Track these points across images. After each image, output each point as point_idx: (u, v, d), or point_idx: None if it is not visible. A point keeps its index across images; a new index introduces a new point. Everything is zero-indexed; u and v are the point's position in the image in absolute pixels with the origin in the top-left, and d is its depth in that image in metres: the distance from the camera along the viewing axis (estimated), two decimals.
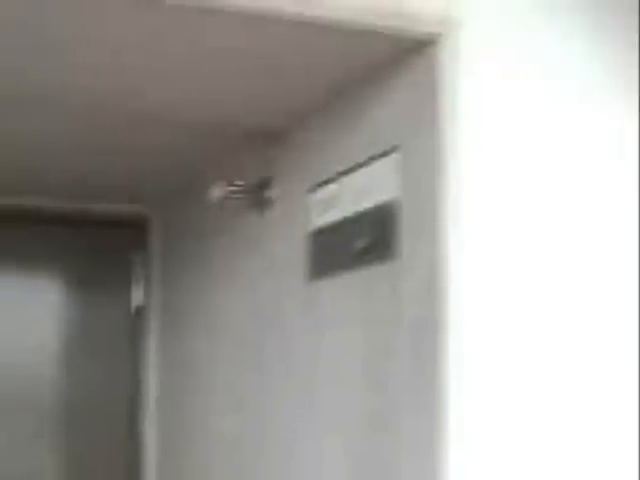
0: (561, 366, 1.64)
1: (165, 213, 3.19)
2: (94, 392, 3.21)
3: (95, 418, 3.20)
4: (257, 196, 2.30)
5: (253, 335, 2.36)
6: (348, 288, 1.89)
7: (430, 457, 1.57)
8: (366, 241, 1.81)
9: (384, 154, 1.77)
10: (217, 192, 2.27)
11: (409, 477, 1.64)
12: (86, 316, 3.23)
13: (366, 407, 1.80)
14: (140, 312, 3.25)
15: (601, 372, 1.67)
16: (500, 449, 1.58)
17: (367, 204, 1.83)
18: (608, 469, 1.66)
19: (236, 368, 2.47)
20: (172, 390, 3.06)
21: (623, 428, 1.67)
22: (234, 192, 2.30)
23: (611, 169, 1.70)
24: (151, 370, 3.21)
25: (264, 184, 2.29)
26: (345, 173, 1.92)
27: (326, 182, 2.00)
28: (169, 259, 3.14)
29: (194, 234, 2.86)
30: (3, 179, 2.80)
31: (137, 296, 3.25)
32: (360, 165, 1.87)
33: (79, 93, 1.98)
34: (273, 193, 2.27)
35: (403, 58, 1.69)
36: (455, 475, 1.54)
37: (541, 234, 1.65)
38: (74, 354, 3.19)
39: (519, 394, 1.60)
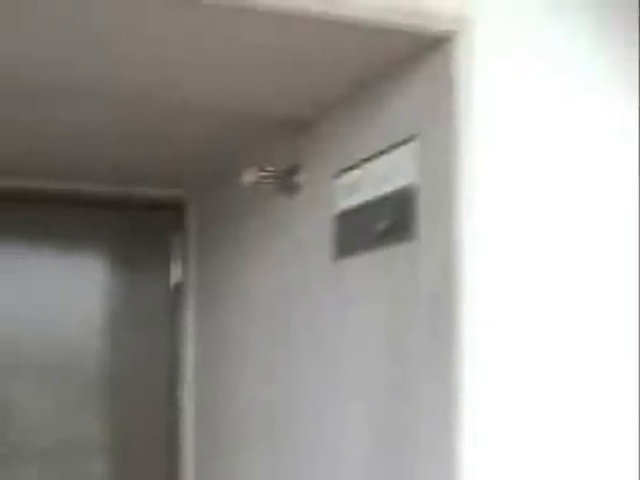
0: (567, 339, 1.64)
1: (202, 197, 3.18)
2: (136, 362, 3.22)
3: (137, 387, 3.21)
4: (286, 181, 2.30)
5: (282, 310, 2.36)
6: (370, 266, 1.90)
7: (446, 422, 1.58)
8: (387, 223, 1.82)
9: (403, 142, 1.77)
10: (249, 177, 2.28)
11: (426, 440, 1.65)
12: (128, 292, 3.23)
13: (387, 376, 1.81)
14: (178, 288, 3.25)
15: (611, 344, 1.67)
16: (511, 414, 1.58)
17: (388, 189, 1.84)
18: (612, 453, 1.67)
19: (266, 341, 2.47)
20: (208, 361, 3.07)
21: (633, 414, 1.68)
22: (265, 177, 2.30)
23: (613, 155, 1.70)
24: (188, 342, 3.22)
25: (293, 170, 2.29)
26: (367, 160, 1.93)
27: (350, 168, 2.00)
28: (205, 239, 3.14)
29: (228, 216, 2.86)
30: (54, 166, 2.81)
31: (175, 274, 3.26)
32: (381, 153, 1.87)
33: (123, 85, 1.99)
34: (301, 178, 2.27)
35: (421, 54, 1.69)
36: (468, 437, 1.55)
37: (550, 217, 1.64)
38: (117, 327, 3.20)
39: (529, 365, 1.60)
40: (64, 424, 3.11)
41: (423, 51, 1.68)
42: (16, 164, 2.80)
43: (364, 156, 1.94)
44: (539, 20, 1.66)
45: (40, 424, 3.07)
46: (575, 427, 1.64)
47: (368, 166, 1.93)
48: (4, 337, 3.04)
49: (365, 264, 1.92)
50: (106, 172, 2.93)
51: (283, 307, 2.36)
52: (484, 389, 1.56)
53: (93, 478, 3.16)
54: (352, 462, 1.95)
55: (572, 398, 1.64)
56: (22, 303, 3.08)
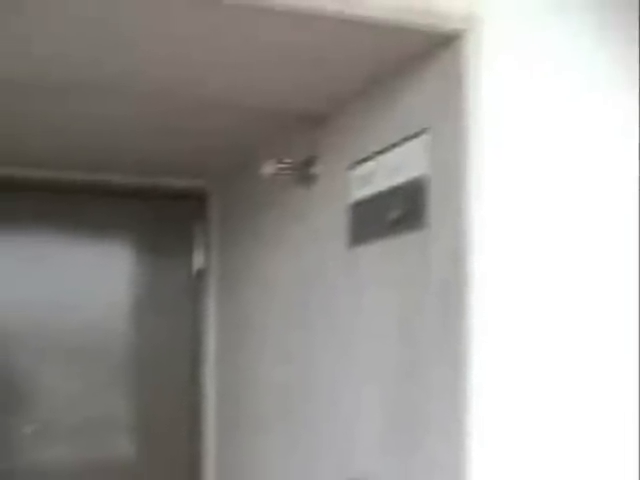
0: (572, 325, 1.65)
1: (223, 187, 3.20)
2: (160, 345, 3.24)
3: (161, 369, 3.23)
4: (303, 172, 2.31)
5: (299, 295, 2.37)
6: (383, 254, 1.90)
7: (454, 403, 1.59)
8: (399, 212, 1.82)
9: (415, 136, 1.78)
10: (268, 169, 2.29)
11: (436, 419, 1.66)
12: (153, 278, 3.25)
13: (398, 359, 1.82)
14: (201, 275, 3.27)
15: (614, 326, 1.68)
16: (517, 396, 1.59)
17: (400, 180, 1.84)
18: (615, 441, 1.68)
19: (285, 324, 2.48)
20: (228, 344, 3.08)
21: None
22: (283, 169, 2.31)
23: (614, 149, 1.70)
24: (210, 326, 3.23)
25: (310, 162, 2.30)
26: (381, 152, 1.93)
27: (364, 160, 2.01)
28: (226, 228, 3.16)
29: (248, 206, 2.87)
30: (83, 158, 2.83)
31: (198, 261, 3.27)
32: (394, 145, 1.88)
33: (148, 82, 2.00)
34: (318, 170, 2.28)
35: (432, 52, 1.70)
36: (476, 417, 1.56)
37: (554, 207, 1.65)
38: (142, 312, 3.22)
39: (535, 350, 1.61)
40: (91, 403, 3.13)
41: (434, 49, 1.69)
42: (49, 157, 2.82)
43: (377, 149, 1.95)
44: (544, 19, 1.66)
45: (69, 403, 3.09)
46: (580, 409, 1.65)
47: (381, 158, 1.94)
48: (36, 321, 3.06)
49: (378, 251, 1.93)
50: (132, 164, 2.95)
51: (300, 293, 2.37)
52: (491, 372, 1.57)
53: (119, 455, 3.19)
54: (366, 441, 1.96)
55: (577, 382, 1.65)
56: (53, 288, 3.10)
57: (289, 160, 2.32)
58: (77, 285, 3.13)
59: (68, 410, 3.09)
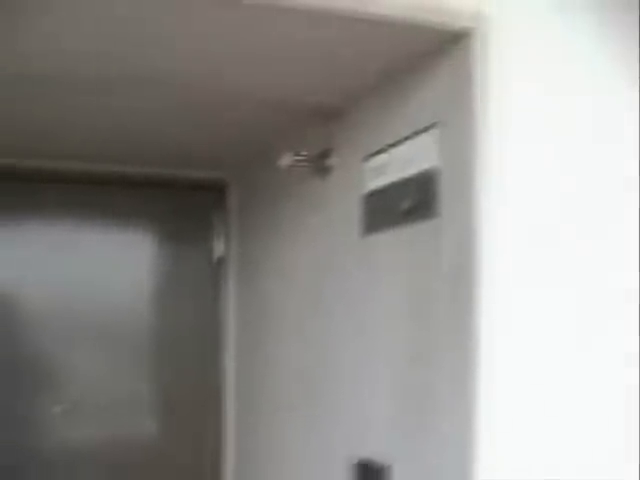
0: (580, 310, 1.66)
1: (242, 179, 3.20)
2: (182, 329, 3.25)
3: (183, 352, 3.24)
4: (319, 164, 2.32)
5: (315, 282, 2.38)
6: (395, 242, 1.91)
7: (464, 385, 1.60)
8: (411, 202, 1.83)
9: (426, 129, 1.79)
10: (285, 160, 2.30)
11: (447, 401, 1.67)
12: (175, 265, 3.26)
13: (411, 342, 1.83)
14: (221, 262, 3.28)
15: (623, 313, 1.69)
16: (525, 377, 1.60)
17: (412, 171, 1.85)
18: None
19: (302, 310, 2.49)
20: (248, 328, 3.09)
21: None
22: (300, 161, 2.32)
23: (616, 139, 1.71)
24: (230, 311, 3.25)
25: (325, 154, 2.31)
26: (393, 145, 1.94)
27: (378, 152, 2.02)
28: (245, 217, 3.17)
29: (266, 196, 2.88)
30: (106, 150, 2.85)
31: (218, 249, 3.28)
32: (406, 139, 1.89)
33: (171, 76, 2.01)
34: (333, 162, 2.28)
35: (442, 48, 1.70)
36: (485, 399, 1.57)
37: (560, 196, 1.65)
38: (165, 297, 3.24)
39: (543, 333, 1.62)
40: (117, 384, 3.15)
41: (444, 46, 1.69)
42: (75, 150, 2.83)
43: (390, 142, 1.95)
44: (547, 18, 1.66)
45: (95, 384, 3.11)
46: (587, 393, 1.66)
47: (394, 151, 1.94)
48: (64, 305, 3.09)
49: (390, 240, 1.94)
50: (155, 156, 2.96)
51: (316, 280, 2.38)
52: (500, 355, 1.58)
53: (143, 434, 3.21)
54: (378, 422, 1.98)
55: (584, 365, 1.65)
56: (81, 275, 3.12)
57: (305, 152, 2.33)
58: (103, 271, 3.15)
59: (95, 390, 3.11)
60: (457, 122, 1.67)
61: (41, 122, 2.47)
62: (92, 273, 3.13)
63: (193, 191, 3.27)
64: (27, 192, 3.06)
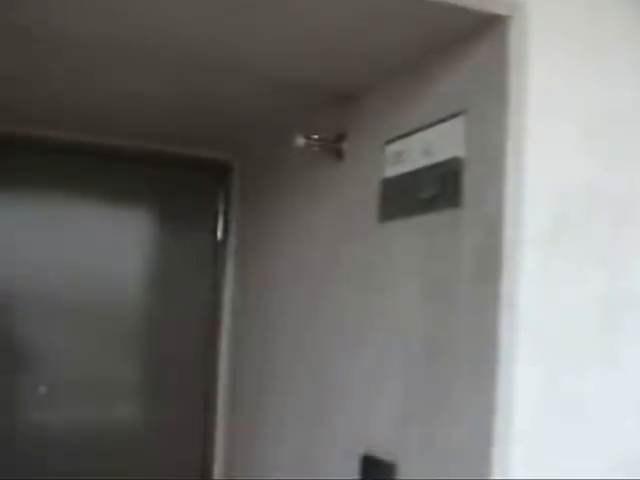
0: (600, 292, 1.66)
1: (247, 159, 3.20)
2: (178, 313, 3.25)
3: (180, 333, 3.24)
4: (334, 148, 2.31)
5: (327, 269, 2.37)
6: (414, 230, 1.91)
7: (484, 382, 1.60)
8: (432, 191, 1.83)
9: (452, 116, 1.78)
10: (300, 142, 2.28)
11: (465, 398, 1.67)
12: (174, 246, 3.25)
13: (429, 335, 1.82)
14: (221, 242, 3.28)
15: None
16: (548, 376, 1.61)
17: (434, 159, 1.85)
18: None
19: (310, 296, 2.48)
20: (248, 314, 3.09)
21: None
22: (314, 143, 2.31)
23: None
24: (229, 294, 3.26)
25: (340, 138, 2.30)
26: (415, 132, 1.94)
27: (397, 139, 2.01)
28: (248, 199, 3.16)
29: (273, 179, 2.87)
30: (104, 121, 2.82)
31: (219, 229, 3.28)
32: (429, 126, 1.88)
33: (181, 50, 2.00)
34: (348, 146, 2.28)
35: (476, 32, 1.69)
36: (505, 397, 1.57)
37: (591, 191, 1.66)
38: (163, 279, 3.23)
39: (568, 329, 1.63)
40: (111, 365, 3.15)
41: (479, 30, 1.68)
42: (72, 117, 2.81)
43: (411, 128, 1.95)
44: (588, 4, 1.67)
45: (85, 366, 3.11)
46: (611, 393, 1.67)
47: (415, 138, 1.94)
48: (56, 285, 3.07)
49: (409, 228, 1.93)
50: (159, 132, 2.95)
51: (328, 266, 2.37)
52: (522, 350, 1.58)
53: (132, 418, 3.22)
54: (390, 413, 1.97)
55: (610, 360, 1.67)
56: (76, 253, 3.10)
57: (320, 135, 2.32)
58: (97, 250, 3.13)
59: (84, 373, 3.10)
60: (489, 110, 1.66)
61: (40, 88, 2.45)
62: (85, 252, 3.11)
63: (196, 170, 3.26)
64: (14, 162, 3.02)
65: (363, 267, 2.15)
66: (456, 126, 1.78)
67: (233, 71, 2.17)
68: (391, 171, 2.04)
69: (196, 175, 3.28)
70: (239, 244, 3.23)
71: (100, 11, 1.76)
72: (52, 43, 2.01)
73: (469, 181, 1.72)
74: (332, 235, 2.36)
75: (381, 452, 1.99)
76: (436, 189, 1.83)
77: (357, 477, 2.08)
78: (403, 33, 1.78)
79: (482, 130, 1.68)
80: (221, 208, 3.30)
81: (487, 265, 1.63)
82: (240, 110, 2.58)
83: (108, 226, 3.16)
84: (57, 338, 3.07)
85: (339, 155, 2.32)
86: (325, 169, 2.40)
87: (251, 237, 3.09)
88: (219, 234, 3.30)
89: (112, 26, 1.86)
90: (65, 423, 3.10)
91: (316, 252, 2.46)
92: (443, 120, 1.83)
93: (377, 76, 2.08)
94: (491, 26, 1.65)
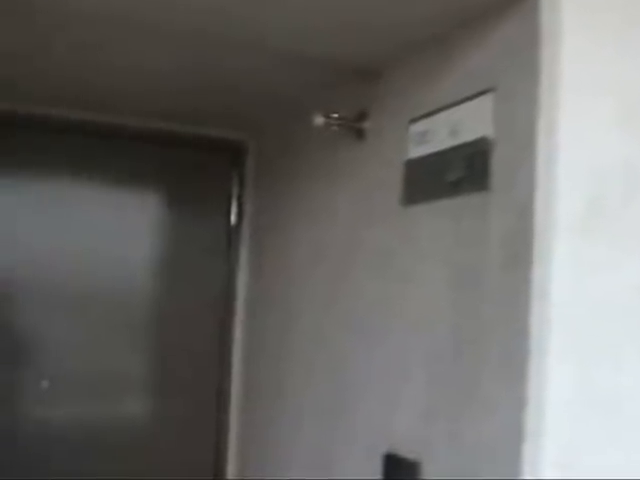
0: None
1: (262, 140, 3.22)
2: (189, 300, 3.27)
3: (191, 322, 3.27)
4: (354, 127, 2.33)
5: (346, 254, 2.39)
6: (440, 215, 1.92)
7: (514, 375, 1.61)
8: (459, 173, 1.84)
9: (480, 94, 1.79)
10: (319, 120, 2.30)
11: (494, 392, 1.67)
12: (186, 231, 3.28)
13: (455, 326, 1.83)
14: (234, 228, 3.31)
15: None
16: (582, 369, 1.60)
17: (461, 140, 1.86)
18: None
19: (329, 284, 2.49)
20: (263, 301, 3.12)
21: None
22: (334, 122, 2.32)
23: None
24: (243, 280, 3.29)
25: (361, 116, 2.31)
26: (441, 110, 1.95)
27: (422, 117, 2.02)
28: (264, 181, 3.18)
29: (289, 160, 2.89)
30: (113, 99, 2.85)
31: (233, 212, 3.30)
32: (455, 103, 1.89)
33: (193, 23, 2.01)
34: (369, 125, 2.29)
35: (505, 5, 1.69)
36: (536, 392, 1.57)
37: (627, 173, 1.65)
38: (174, 265, 3.26)
39: (602, 320, 1.62)
40: (117, 357, 3.18)
41: (508, 1, 1.68)
42: (86, 98, 2.84)
43: (437, 106, 1.96)
44: None
45: (92, 358, 3.13)
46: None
47: (441, 116, 1.95)
48: (63, 273, 3.09)
49: (434, 212, 1.95)
50: (170, 110, 2.96)
51: (347, 252, 2.38)
52: (554, 341, 1.58)
53: (142, 411, 3.25)
54: (413, 409, 1.99)
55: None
56: (80, 239, 3.12)
57: (339, 114, 2.33)
58: (105, 235, 3.15)
59: (90, 364, 3.13)
60: (517, 87, 1.66)
61: (41, 63, 2.47)
62: (91, 237, 3.13)
63: (208, 151, 3.28)
64: (15, 142, 3.03)
65: (385, 253, 2.16)
66: (484, 104, 1.78)
67: (244, 44, 2.17)
68: (415, 152, 2.05)
69: (208, 156, 3.30)
70: (254, 229, 3.26)
71: None
72: (54, 15, 2.02)
73: (498, 162, 1.73)
74: (352, 219, 2.37)
75: (404, 450, 2.00)
76: (463, 171, 1.84)
77: (379, 477, 2.09)
78: (428, 4, 1.78)
79: (512, 108, 1.68)
80: (235, 191, 3.32)
81: (517, 252, 1.63)
82: (254, 87, 2.59)
83: (115, 210, 3.18)
84: (60, 329, 3.09)
85: (360, 135, 2.33)
86: (345, 149, 2.41)
87: (266, 221, 3.11)
88: (233, 218, 3.32)
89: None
90: (68, 419, 3.13)
91: (335, 237, 2.48)
92: (470, 98, 1.84)
93: (401, 51, 2.09)
94: None
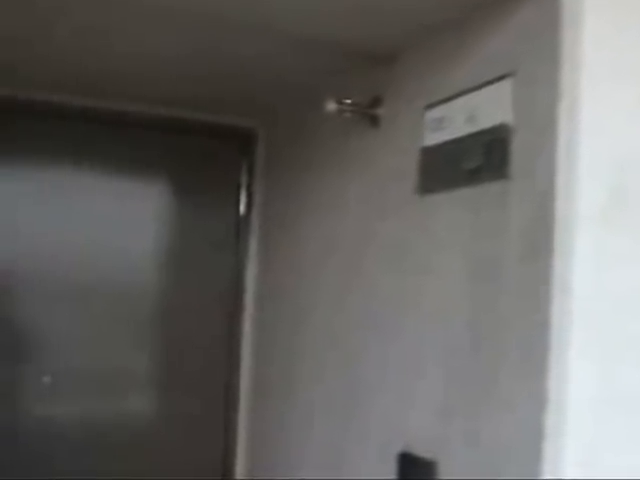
0: None
1: (272, 127, 3.23)
2: (198, 292, 3.29)
3: (199, 317, 3.29)
4: (368, 113, 2.33)
5: (359, 246, 2.39)
6: (457, 204, 1.93)
7: (534, 370, 1.61)
8: (477, 161, 1.85)
9: (499, 78, 1.79)
10: (331, 107, 2.30)
11: (514, 388, 1.68)
12: (193, 222, 3.29)
13: (473, 320, 1.84)
14: (243, 219, 3.32)
15: None
16: (606, 365, 1.60)
17: (479, 126, 1.87)
18: None
19: (342, 278, 2.50)
20: (273, 294, 3.13)
21: None
22: (347, 108, 2.33)
23: None
24: (252, 273, 3.30)
25: (375, 102, 2.32)
26: (458, 96, 1.95)
27: (438, 103, 2.03)
28: (274, 170, 3.20)
29: (300, 148, 2.90)
30: (124, 88, 2.87)
31: (243, 202, 3.32)
32: (474, 89, 1.89)
33: (200, 5, 2.01)
34: (384, 111, 2.30)
35: None
36: (557, 387, 1.57)
37: None
38: (181, 257, 3.27)
39: (628, 313, 1.63)
40: (122, 352, 3.20)
41: None
42: (90, 83, 2.84)
43: (454, 91, 1.96)
44: None
45: (96, 353, 3.15)
46: None
47: (458, 102, 1.96)
48: (65, 264, 3.10)
49: (451, 202, 1.95)
50: (178, 96, 2.97)
51: (360, 243, 2.39)
52: (577, 335, 1.58)
53: (148, 408, 3.27)
54: (429, 406, 2.00)
55: None
56: (83, 229, 3.13)
57: (353, 100, 2.34)
58: (109, 226, 3.16)
59: (94, 359, 3.15)
60: (538, 71, 1.66)
61: (43, 47, 2.47)
62: (94, 228, 3.14)
63: (216, 138, 3.29)
64: (15, 129, 3.04)
65: (400, 245, 2.17)
66: (503, 89, 1.79)
67: (253, 28, 2.18)
68: (431, 139, 2.06)
69: (216, 144, 3.30)
70: (263, 220, 3.27)
71: None
72: None
73: (517, 150, 1.73)
74: (365, 210, 2.38)
75: (420, 449, 2.01)
76: (481, 159, 1.85)
77: (393, 477, 2.10)
78: None
79: (532, 93, 1.69)
80: (244, 180, 3.33)
81: (537, 243, 1.64)
82: (264, 72, 2.60)
83: (118, 200, 3.19)
84: (62, 323, 3.11)
85: (374, 121, 2.34)
86: (358, 137, 2.42)
87: (276, 212, 3.13)
88: (241, 209, 3.34)
89: None
90: (71, 417, 3.14)
91: (348, 228, 2.49)
92: (489, 83, 1.84)
93: (416, 34, 2.09)
94: None
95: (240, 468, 3.31)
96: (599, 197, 1.61)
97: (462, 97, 1.95)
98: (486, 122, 1.85)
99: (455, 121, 1.97)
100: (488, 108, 1.84)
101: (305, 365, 2.76)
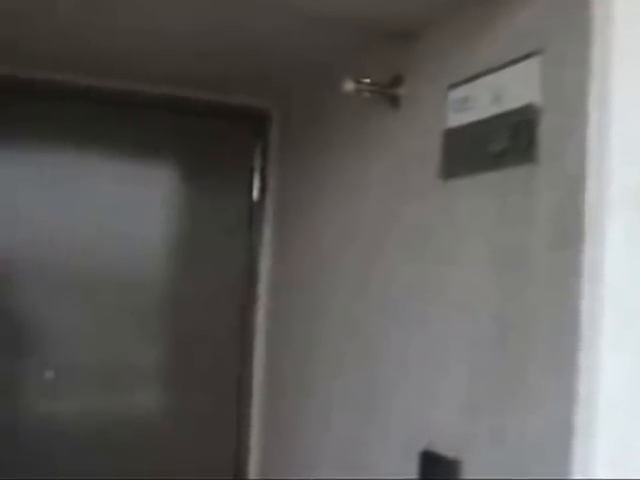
0: None
1: (287, 108, 3.25)
2: (209, 282, 3.31)
3: (210, 308, 3.31)
4: (388, 93, 2.35)
5: (379, 232, 2.41)
6: (482, 189, 1.94)
7: (564, 364, 1.61)
8: (503, 144, 1.86)
9: (526, 57, 1.80)
10: (349, 86, 2.32)
11: (542, 383, 1.68)
12: (205, 206, 3.32)
13: (498, 311, 1.85)
14: (257, 204, 3.34)
15: None
16: (638, 356, 1.60)
17: (505, 107, 1.87)
18: None
19: (361, 265, 2.51)
20: (289, 282, 3.15)
21: None
22: (366, 88, 2.35)
23: None
24: (266, 260, 3.33)
25: (396, 82, 2.33)
26: (483, 75, 1.96)
27: (463, 82, 2.04)
28: (288, 152, 3.22)
29: (317, 130, 2.91)
30: (131, 66, 2.89)
31: (255, 188, 3.33)
32: (499, 68, 1.90)
33: None
34: (404, 92, 2.31)
35: None
36: (587, 383, 1.57)
37: None
38: (192, 243, 3.29)
39: None
40: (129, 345, 3.22)
41: None
42: (95, 63, 2.87)
43: (479, 71, 1.97)
44: None
45: (102, 344, 3.17)
46: None
47: (483, 81, 1.96)
48: (80, 252, 3.14)
49: (475, 187, 1.97)
50: (190, 75, 2.98)
51: (381, 229, 2.40)
52: (607, 328, 1.58)
53: (156, 404, 3.29)
54: (452, 403, 2.01)
55: None
56: (90, 214, 3.15)
57: (372, 79, 2.35)
58: (116, 212, 3.18)
59: (99, 353, 3.17)
60: (567, 49, 1.67)
61: (45, 23, 2.49)
62: (100, 214, 3.16)
63: (229, 120, 3.31)
64: (15, 110, 3.06)
65: (422, 232, 2.19)
66: (531, 68, 1.80)
67: (269, 3, 2.18)
68: (455, 120, 2.07)
69: (229, 125, 3.32)
70: (278, 205, 3.29)
71: None
72: None
73: (546, 132, 1.74)
74: (386, 195, 2.39)
75: (443, 447, 2.02)
76: (507, 141, 1.85)
77: (415, 476, 2.11)
78: None
79: (561, 72, 1.70)
80: (257, 164, 3.35)
81: (567, 230, 1.65)
82: (279, 50, 2.61)
83: (125, 184, 3.21)
84: (66, 314, 3.13)
85: (394, 102, 2.36)
86: (378, 118, 2.43)
87: (292, 197, 3.15)
88: (255, 194, 3.36)
89: None
90: (74, 413, 3.17)
91: (367, 214, 2.50)
92: (516, 61, 1.85)
93: (439, 10, 2.10)
94: None
95: (253, 467, 3.34)
96: (632, 181, 1.61)
97: (487, 76, 1.96)
98: (513, 102, 1.85)
99: (480, 101, 1.98)
100: (515, 88, 1.85)
101: (322, 358, 2.77)
